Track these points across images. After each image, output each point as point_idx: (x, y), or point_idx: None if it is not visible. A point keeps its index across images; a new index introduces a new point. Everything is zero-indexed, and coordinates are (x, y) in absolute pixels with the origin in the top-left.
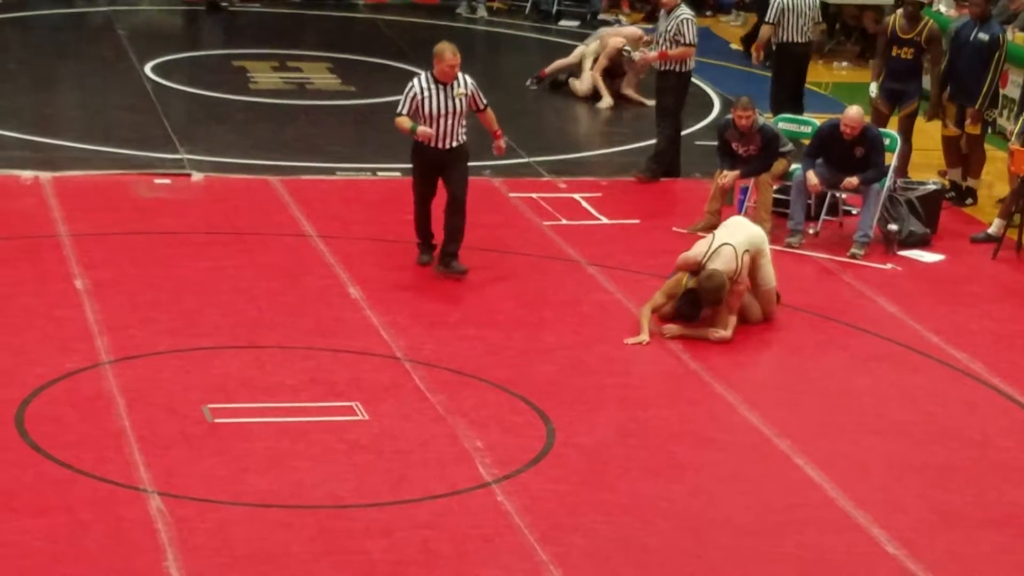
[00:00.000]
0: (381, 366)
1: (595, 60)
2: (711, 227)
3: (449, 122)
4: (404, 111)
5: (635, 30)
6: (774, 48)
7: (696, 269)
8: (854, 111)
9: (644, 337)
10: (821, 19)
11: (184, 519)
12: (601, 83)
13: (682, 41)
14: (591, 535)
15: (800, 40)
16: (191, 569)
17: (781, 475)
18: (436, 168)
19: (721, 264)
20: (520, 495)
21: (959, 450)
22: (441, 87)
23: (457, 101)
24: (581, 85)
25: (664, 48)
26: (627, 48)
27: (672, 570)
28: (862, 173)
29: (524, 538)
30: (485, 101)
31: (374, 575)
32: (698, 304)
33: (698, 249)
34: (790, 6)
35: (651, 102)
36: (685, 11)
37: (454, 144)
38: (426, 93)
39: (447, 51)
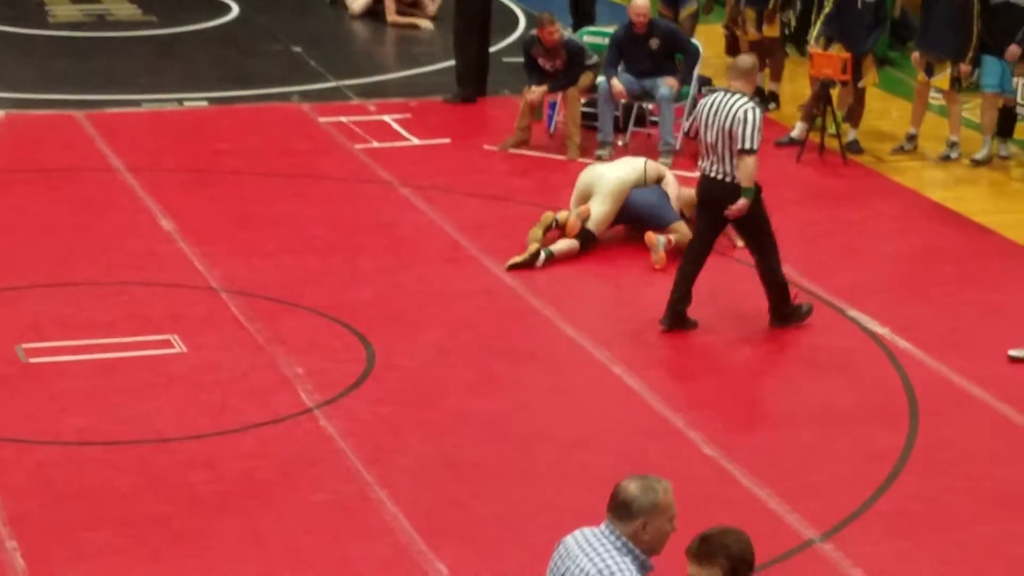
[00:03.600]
0: (197, 297)
1: None
2: (521, 143)
3: None
4: (758, 146)
5: None
6: None
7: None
8: (639, 0)
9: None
10: None
11: (2, 461)
12: (401, 20)
13: None
14: (415, 455)
15: None
16: (13, 511)
17: (600, 385)
18: None
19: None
20: (343, 419)
21: (771, 349)
22: None
23: None
24: (354, 4)
25: None
26: None
27: (497, 485)
28: (673, 75)
29: (349, 461)
30: None
31: (200, 507)
32: None
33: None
34: None
35: (425, 23)
36: None
37: None
38: None
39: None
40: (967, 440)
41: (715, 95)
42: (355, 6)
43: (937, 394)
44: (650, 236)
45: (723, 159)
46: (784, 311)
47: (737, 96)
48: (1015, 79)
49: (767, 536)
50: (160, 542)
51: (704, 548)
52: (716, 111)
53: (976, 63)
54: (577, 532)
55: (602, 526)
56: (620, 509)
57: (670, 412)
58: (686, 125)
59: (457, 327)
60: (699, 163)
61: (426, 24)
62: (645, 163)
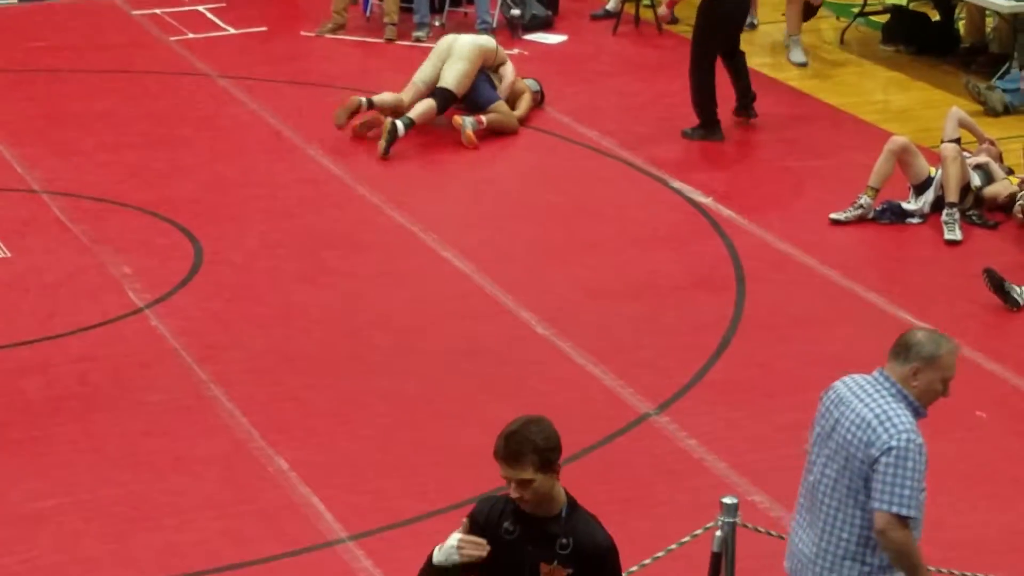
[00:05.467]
0: (17, 201)
1: None
2: (338, 28)
3: None
4: None
5: None
6: None
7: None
8: None
9: None
10: None
11: None
12: None
13: None
14: (248, 350)
15: None
16: None
17: (431, 269)
18: None
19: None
20: (174, 317)
21: (598, 226)
22: None
23: None
24: None
25: None
26: None
27: (332, 375)
28: None
29: (182, 360)
30: None
31: (33, 413)
32: None
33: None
34: None
35: None
36: None
37: None
38: None
39: None
40: (793, 305)
41: None
42: None
43: (762, 260)
44: (456, 119)
45: None
46: (749, 101)
47: None
48: None
49: (603, 413)
50: None
51: (511, 447)
52: None
53: None
54: (847, 379)
55: (875, 372)
56: (899, 349)
57: (501, 293)
58: None
59: (284, 218)
60: None
61: None
62: (497, 45)
